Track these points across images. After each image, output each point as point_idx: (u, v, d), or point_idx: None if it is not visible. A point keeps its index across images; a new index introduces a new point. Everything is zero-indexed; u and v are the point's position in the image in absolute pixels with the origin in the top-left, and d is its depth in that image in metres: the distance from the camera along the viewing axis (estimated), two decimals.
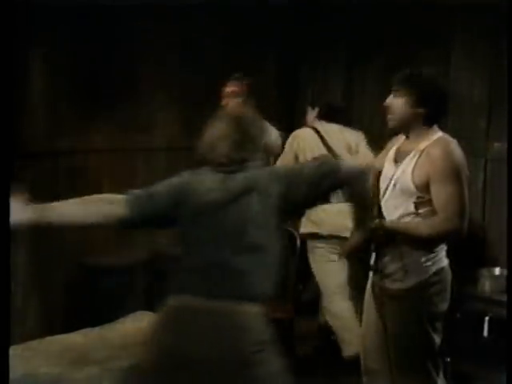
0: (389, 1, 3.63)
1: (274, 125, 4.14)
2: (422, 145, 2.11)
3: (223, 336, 1.64)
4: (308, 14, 4.11)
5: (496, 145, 3.40)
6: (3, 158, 1.57)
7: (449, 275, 2.19)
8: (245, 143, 1.85)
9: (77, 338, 2.38)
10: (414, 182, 2.07)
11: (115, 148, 3.57)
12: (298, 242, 3.17)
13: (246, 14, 3.88)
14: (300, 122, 4.34)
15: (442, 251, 2.17)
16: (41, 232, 3.26)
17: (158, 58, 3.71)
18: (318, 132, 3.28)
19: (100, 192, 3.54)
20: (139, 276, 3.38)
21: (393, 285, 2.14)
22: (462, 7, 3.41)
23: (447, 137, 2.17)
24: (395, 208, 2.11)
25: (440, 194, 2.04)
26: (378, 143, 3.98)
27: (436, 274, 2.13)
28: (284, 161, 3.12)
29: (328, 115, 3.34)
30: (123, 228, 1.80)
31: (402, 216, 2.11)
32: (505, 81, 3.32)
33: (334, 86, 4.24)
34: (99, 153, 3.54)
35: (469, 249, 3.45)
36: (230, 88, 3.27)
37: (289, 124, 4.36)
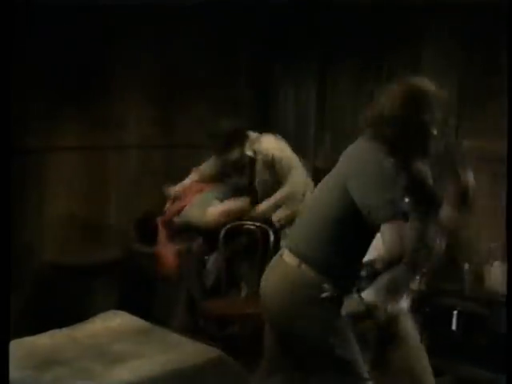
0: (361, 1, 3.64)
1: (249, 124, 4.15)
2: None
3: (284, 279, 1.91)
4: (281, 14, 4.09)
5: (465, 142, 3.43)
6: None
7: None
8: None
9: (44, 340, 2.33)
10: None
11: (86, 146, 3.52)
12: (272, 237, 3.20)
13: (221, 13, 3.85)
14: (273, 123, 4.35)
15: None
16: (8, 231, 3.22)
17: (132, 56, 3.66)
18: None
19: (71, 190, 3.57)
20: (111, 275, 3.33)
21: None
22: (432, 8, 3.43)
23: None
24: None
25: None
26: (349, 137, 4.02)
27: None
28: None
29: None
30: None
31: None
32: (473, 81, 3.36)
33: (307, 84, 4.24)
34: (70, 151, 3.49)
35: None
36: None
37: (262, 124, 4.36)
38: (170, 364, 2.19)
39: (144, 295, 3.34)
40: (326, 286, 1.87)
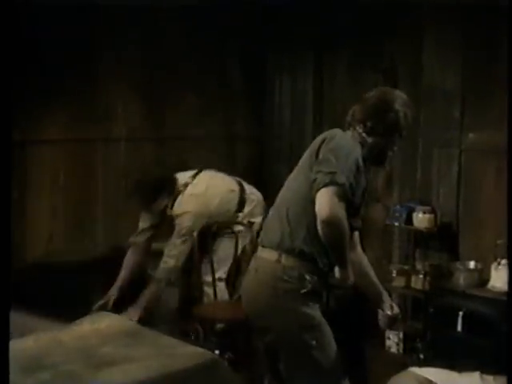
0: None
1: (242, 116, 4.12)
2: None
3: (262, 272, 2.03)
4: (275, 3, 4.07)
5: (470, 135, 3.43)
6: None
7: None
8: None
9: (28, 343, 2.29)
10: None
11: (71, 138, 3.50)
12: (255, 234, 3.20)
13: (215, 2, 3.84)
14: (268, 111, 4.34)
15: None
16: (8, 230, 3.19)
17: (120, 46, 3.64)
18: None
19: (56, 185, 3.53)
20: (99, 273, 3.30)
21: None
22: None
23: None
24: None
25: None
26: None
27: None
28: None
29: None
30: None
31: None
32: (478, 70, 3.35)
33: (303, 74, 4.22)
34: (55, 144, 3.46)
35: (442, 241, 3.50)
36: None
37: (257, 113, 4.35)
38: (160, 367, 2.16)
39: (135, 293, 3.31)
40: (308, 277, 1.95)
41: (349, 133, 2.10)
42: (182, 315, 3.39)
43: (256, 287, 2.04)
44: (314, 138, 4.06)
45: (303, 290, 1.96)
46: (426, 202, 3.51)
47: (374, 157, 2.09)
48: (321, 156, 1.98)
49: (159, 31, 3.76)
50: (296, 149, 4.28)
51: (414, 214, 3.45)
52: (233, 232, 3.29)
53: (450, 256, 3.45)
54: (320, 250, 1.97)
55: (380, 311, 2.16)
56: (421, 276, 3.39)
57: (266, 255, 2.03)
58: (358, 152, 2.00)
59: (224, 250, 3.30)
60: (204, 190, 3.26)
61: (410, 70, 3.66)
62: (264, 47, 4.31)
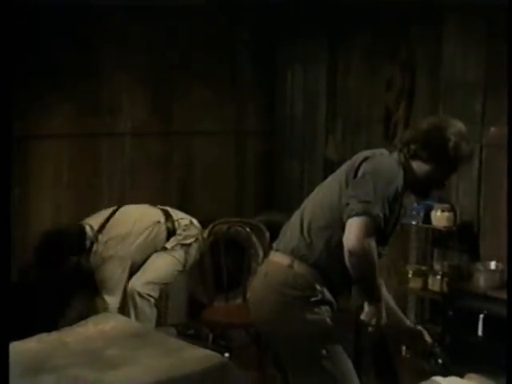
0: None
1: (252, 110, 4.09)
2: None
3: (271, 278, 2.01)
4: None
5: (492, 129, 3.41)
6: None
7: None
8: None
9: (31, 345, 2.32)
10: None
11: (75, 133, 3.52)
12: (267, 234, 3.23)
13: None
14: (279, 105, 4.33)
15: None
16: (8, 230, 3.20)
17: (124, 36, 3.65)
18: None
19: (58, 180, 3.54)
20: None
21: None
22: None
23: None
24: None
25: None
26: (364, 125, 4.01)
27: None
28: None
29: None
30: None
31: None
32: (502, 60, 3.32)
33: (315, 65, 4.21)
34: (57, 138, 3.48)
35: (462, 240, 3.49)
36: None
37: (268, 107, 4.35)
38: (168, 371, 2.19)
39: None
40: (318, 287, 1.94)
41: (394, 155, 2.05)
42: (191, 318, 3.40)
43: (264, 292, 2.03)
44: (327, 132, 4.19)
45: (313, 299, 1.94)
46: (445, 200, 3.50)
47: (416, 185, 2.04)
48: (359, 175, 1.94)
49: (167, 24, 3.76)
50: (308, 144, 4.28)
51: (432, 213, 3.44)
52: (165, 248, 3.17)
53: (470, 256, 3.43)
54: (335, 267, 1.95)
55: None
56: (439, 277, 3.38)
57: (278, 259, 2.03)
58: (399, 178, 1.95)
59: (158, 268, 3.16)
60: (126, 229, 3.10)
61: (429, 60, 3.64)
62: (275, 38, 4.30)
